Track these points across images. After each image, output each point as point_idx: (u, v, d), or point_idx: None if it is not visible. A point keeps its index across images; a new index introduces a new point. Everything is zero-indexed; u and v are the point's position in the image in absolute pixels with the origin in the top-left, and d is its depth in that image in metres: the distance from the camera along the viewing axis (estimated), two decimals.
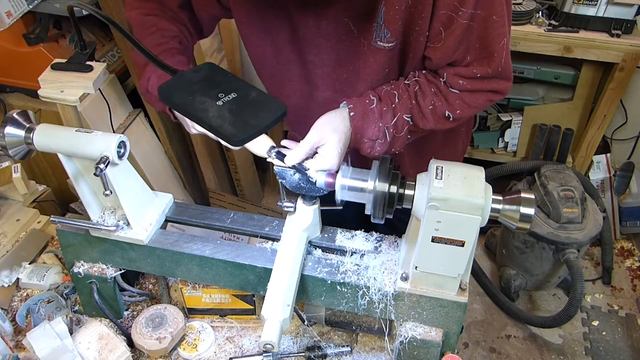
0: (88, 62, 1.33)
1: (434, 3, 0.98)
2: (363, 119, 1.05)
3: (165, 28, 1.16)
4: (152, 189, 1.15)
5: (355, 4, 1.01)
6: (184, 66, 1.12)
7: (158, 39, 1.14)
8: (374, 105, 1.06)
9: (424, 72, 1.12)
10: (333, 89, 1.19)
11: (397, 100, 1.07)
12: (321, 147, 1.00)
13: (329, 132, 1.01)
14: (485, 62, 1.05)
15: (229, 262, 1.05)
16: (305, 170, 0.98)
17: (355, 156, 1.08)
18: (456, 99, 1.08)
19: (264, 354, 1.09)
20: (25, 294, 1.33)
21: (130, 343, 1.17)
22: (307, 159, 1.00)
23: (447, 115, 1.09)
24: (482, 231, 1.19)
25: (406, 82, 1.11)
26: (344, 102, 1.08)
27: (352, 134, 1.05)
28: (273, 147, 1.00)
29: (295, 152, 0.98)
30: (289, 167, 0.99)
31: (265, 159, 1.02)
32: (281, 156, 0.99)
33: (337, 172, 0.96)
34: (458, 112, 1.09)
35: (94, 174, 0.94)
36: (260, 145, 1.00)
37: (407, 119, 1.08)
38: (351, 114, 1.05)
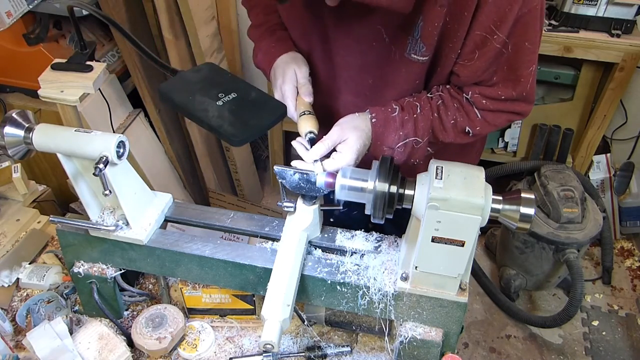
0: (88, 62, 1.33)
1: (471, 24, 0.98)
2: (384, 126, 1.08)
3: (266, 5, 1.25)
4: (152, 189, 1.15)
5: (393, 17, 1.01)
6: (286, 41, 1.21)
7: (261, 18, 1.26)
8: (396, 113, 1.08)
9: (447, 86, 1.13)
10: (355, 93, 1.20)
11: (418, 111, 1.10)
12: (341, 144, 1.03)
13: (350, 129, 1.04)
14: (510, 85, 1.06)
15: (229, 262, 1.05)
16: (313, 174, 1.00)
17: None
18: (477, 116, 1.10)
19: (264, 354, 1.09)
20: (25, 294, 1.33)
21: (130, 343, 1.17)
22: (326, 157, 1.03)
23: (467, 130, 1.11)
24: (482, 231, 1.19)
25: (429, 95, 1.13)
26: (367, 109, 1.10)
27: (372, 139, 1.08)
28: (311, 132, 1.05)
29: (316, 148, 1.02)
30: (311, 162, 1.02)
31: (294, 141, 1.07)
32: (312, 143, 1.04)
33: (336, 172, 0.96)
34: (478, 128, 1.11)
35: (93, 174, 0.94)
36: (305, 125, 1.06)
37: (428, 130, 1.10)
38: (373, 120, 1.08)
